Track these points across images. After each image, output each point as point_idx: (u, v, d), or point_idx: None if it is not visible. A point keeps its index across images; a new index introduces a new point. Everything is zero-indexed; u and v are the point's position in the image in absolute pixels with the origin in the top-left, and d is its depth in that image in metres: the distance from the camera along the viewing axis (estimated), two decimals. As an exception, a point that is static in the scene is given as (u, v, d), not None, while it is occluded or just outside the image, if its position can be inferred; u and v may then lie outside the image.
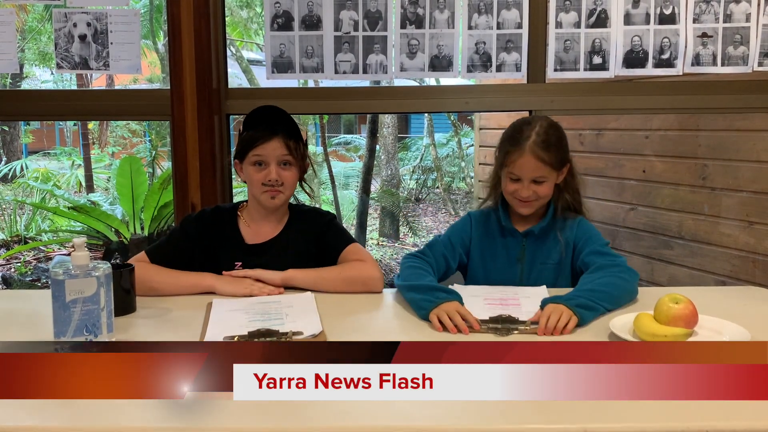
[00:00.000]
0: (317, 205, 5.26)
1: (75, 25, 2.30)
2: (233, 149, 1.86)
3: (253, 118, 1.72)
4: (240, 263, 1.71)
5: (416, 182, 10.14)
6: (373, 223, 8.10)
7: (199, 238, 1.74)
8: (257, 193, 1.71)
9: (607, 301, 1.42)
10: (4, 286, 5.19)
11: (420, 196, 9.98)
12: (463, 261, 1.75)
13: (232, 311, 1.47)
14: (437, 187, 9.63)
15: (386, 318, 1.50)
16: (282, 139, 1.68)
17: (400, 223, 7.85)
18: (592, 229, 1.71)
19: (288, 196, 1.74)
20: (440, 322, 1.34)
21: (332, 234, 1.76)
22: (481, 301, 1.48)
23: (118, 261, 1.61)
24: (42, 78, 12.13)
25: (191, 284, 1.65)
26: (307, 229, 1.76)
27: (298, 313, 1.44)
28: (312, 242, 1.75)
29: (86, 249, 1.25)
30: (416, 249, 1.72)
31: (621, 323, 1.30)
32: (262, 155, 1.68)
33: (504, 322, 1.31)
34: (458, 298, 1.41)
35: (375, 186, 8.37)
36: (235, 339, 1.26)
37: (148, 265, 1.69)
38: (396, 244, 7.46)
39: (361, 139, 10.51)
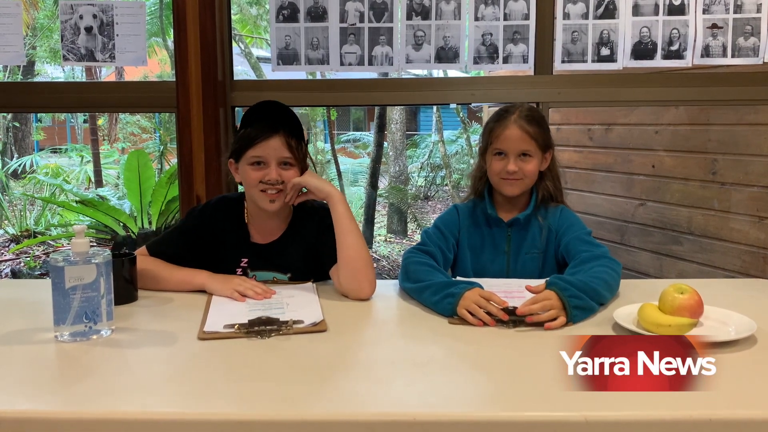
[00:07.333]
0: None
1: (81, 17, 2.30)
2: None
3: (253, 114, 1.60)
4: (246, 259, 1.64)
5: (424, 179, 10.12)
6: (381, 219, 8.09)
7: (204, 233, 1.65)
8: (254, 194, 1.59)
9: (600, 299, 1.40)
10: (14, 280, 5.22)
11: (428, 194, 9.96)
12: (454, 252, 1.73)
13: (233, 300, 1.47)
14: (446, 185, 9.60)
15: (387, 307, 1.49)
16: (283, 137, 1.56)
17: (408, 219, 7.84)
18: (574, 216, 1.70)
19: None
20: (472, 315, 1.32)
21: (330, 241, 1.59)
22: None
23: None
24: (53, 75, 12.19)
25: (183, 280, 1.57)
26: (312, 228, 1.65)
27: (299, 303, 1.44)
28: (314, 242, 1.64)
29: (85, 236, 1.25)
30: (415, 244, 1.67)
31: (625, 313, 1.28)
32: (261, 156, 1.56)
33: (511, 314, 1.30)
34: (477, 285, 1.38)
35: (383, 183, 8.36)
36: (236, 327, 1.26)
37: (146, 257, 1.61)
38: (404, 241, 7.44)
39: (369, 136, 10.49)
